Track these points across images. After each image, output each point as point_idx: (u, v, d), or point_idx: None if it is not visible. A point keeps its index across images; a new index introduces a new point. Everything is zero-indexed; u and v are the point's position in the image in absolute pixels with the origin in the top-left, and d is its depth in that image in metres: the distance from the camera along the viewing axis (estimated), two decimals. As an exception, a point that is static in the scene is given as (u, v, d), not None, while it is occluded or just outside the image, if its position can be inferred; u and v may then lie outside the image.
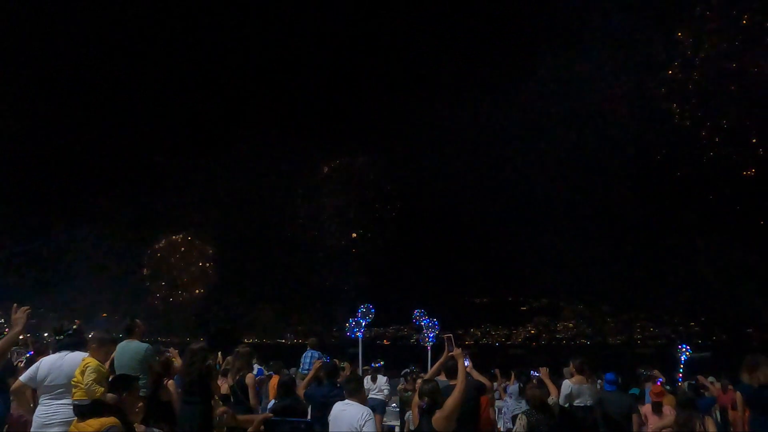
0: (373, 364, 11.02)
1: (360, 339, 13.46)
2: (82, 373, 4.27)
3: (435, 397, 4.49)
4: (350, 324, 13.86)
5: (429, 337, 14.27)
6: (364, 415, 4.64)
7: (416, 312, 14.83)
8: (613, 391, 7.55)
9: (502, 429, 10.39)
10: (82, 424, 3.76)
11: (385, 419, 10.34)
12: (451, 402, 4.43)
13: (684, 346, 17.49)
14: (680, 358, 16.51)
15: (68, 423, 4.27)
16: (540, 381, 7.60)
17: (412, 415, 5.30)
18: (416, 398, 4.85)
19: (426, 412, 4.48)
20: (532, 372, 11.80)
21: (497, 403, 11.34)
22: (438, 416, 4.39)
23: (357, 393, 4.93)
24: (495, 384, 12.84)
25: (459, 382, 4.59)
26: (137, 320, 5.89)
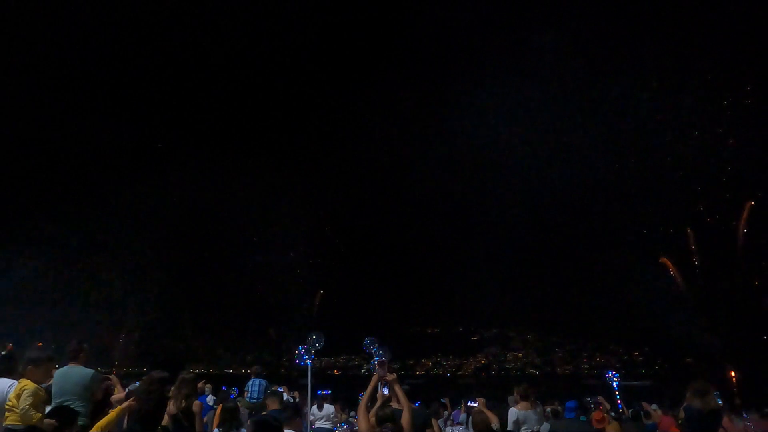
0: (319, 392, 11.02)
1: (309, 366, 13.25)
2: (18, 396, 4.05)
3: (398, 421, 4.48)
4: (300, 351, 13.66)
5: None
6: None
7: (366, 340, 14.72)
8: (573, 420, 7.63)
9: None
10: None
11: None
12: (407, 425, 4.50)
13: (610, 372, 18.12)
14: (613, 386, 17.06)
15: None
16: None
17: None
18: (363, 425, 4.78)
19: None
20: (470, 402, 11.94)
21: (447, 429, 11.44)
22: None
23: (292, 420, 4.94)
24: (445, 413, 12.94)
25: (405, 406, 4.68)
26: (84, 345, 5.65)
